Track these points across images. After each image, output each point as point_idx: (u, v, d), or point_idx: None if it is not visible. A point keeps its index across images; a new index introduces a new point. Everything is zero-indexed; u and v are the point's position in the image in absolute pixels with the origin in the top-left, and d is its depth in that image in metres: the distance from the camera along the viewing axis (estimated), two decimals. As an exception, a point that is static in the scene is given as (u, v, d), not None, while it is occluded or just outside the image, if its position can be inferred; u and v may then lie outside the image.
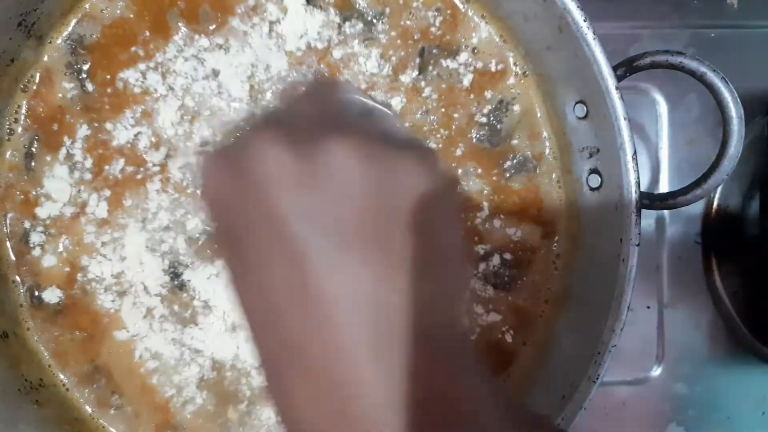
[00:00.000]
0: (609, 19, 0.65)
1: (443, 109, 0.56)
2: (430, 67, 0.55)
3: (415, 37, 0.55)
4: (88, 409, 0.55)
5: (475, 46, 0.55)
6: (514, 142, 0.56)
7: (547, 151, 0.56)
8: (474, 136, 0.56)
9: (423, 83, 0.55)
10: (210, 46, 0.54)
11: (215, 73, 0.54)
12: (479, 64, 0.56)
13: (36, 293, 0.54)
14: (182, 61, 0.54)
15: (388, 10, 0.55)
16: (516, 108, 0.56)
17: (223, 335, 0.55)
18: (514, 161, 0.56)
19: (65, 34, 0.54)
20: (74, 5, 0.54)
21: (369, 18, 0.55)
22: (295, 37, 0.55)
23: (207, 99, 0.54)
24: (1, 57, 0.52)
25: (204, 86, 0.54)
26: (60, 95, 0.54)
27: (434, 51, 0.55)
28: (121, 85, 0.54)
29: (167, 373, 0.55)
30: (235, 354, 0.55)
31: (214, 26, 0.54)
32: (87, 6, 0.54)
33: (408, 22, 0.55)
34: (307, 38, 0.55)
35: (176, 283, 0.55)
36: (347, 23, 0.55)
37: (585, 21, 0.47)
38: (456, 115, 0.56)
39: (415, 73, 0.55)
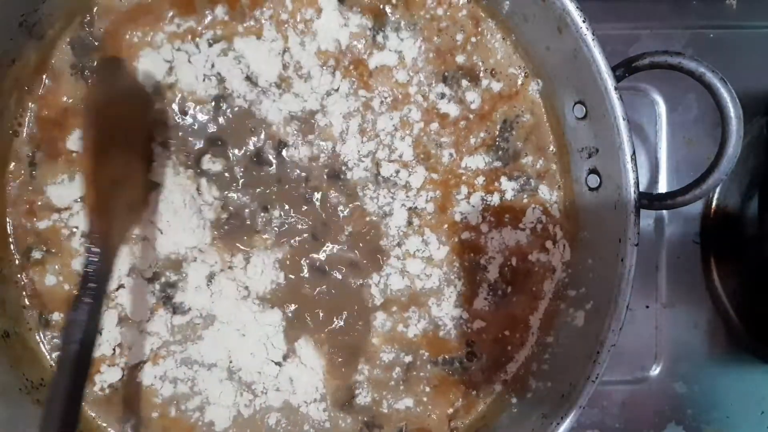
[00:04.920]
0: (608, 20, 0.65)
1: (461, 127, 0.56)
2: (455, 86, 0.56)
3: (441, 55, 0.55)
4: (89, 408, 0.55)
5: (492, 68, 0.56)
6: (523, 160, 0.56)
7: (554, 166, 0.56)
8: (486, 153, 0.56)
9: (446, 100, 0.56)
10: (242, 31, 0.54)
11: (243, 59, 0.54)
12: (498, 86, 0.56)
13: (44, 316, 0.55)
14: (206, 46, 0.54)
15: (420, 23, 0.55)
16: (525, 126, 0.56)
17: (234, 340, 0.55)
18: (520, 180, 0.56)
19: (68, 34, 0.54)
20: (75, 6, 0.54)
21: (401, 29, 0.55)
22: (327, 37, 0.55)
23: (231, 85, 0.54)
24: (2, 58, 0.52)
25: (231, 71, 0.54)
26: (65, 97, 0.54)
27: (458, 74, 0.55)
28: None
29: (185, 397, 0.55)
30: (252, 356, 0.55)
31: (247, 14, 0.54)
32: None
33: (437, 39, 0.55)
34: (339, 40, 0.55)
35: (170, 306, 0.55)
36: (380, 33, 0.55)
37: (584, 22, 0.47)
38: (472, 136, 0.56)
39: (440, 89, 0.56)
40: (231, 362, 0.55)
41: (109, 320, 0.54)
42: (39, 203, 0.54)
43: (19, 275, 0.54)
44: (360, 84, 0.55)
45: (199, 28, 0.54)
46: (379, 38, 0.55)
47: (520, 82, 0.56)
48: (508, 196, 0.56)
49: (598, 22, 0.47)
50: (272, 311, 0.55)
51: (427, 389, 0.56)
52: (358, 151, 0.55)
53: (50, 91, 0.54)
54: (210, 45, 0.54)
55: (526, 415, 0.53)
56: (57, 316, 0.55)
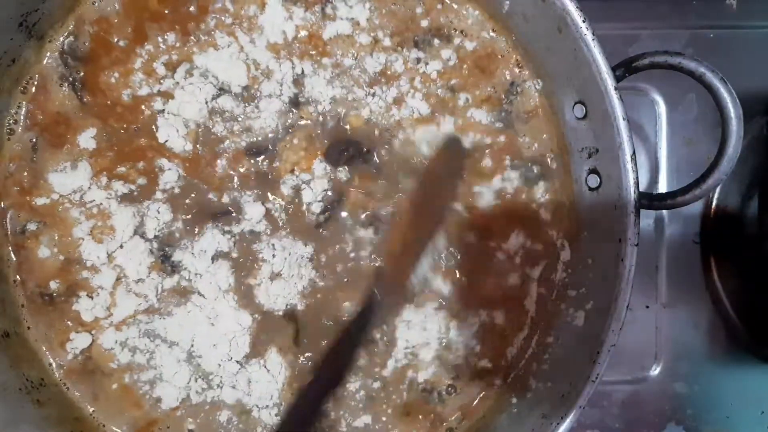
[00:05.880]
0: (608, 20, 0.65)
1: (449, 84, 0.56)
2: (428, 47, 0.56)
3: (403, 22, 0.55)
4: (89, 408, 0.55)
5: (464, 29, 0.56)
6: (521, 139, 0.56)
7: (552, 163, 0.57)
8: (490, 111, 0.56)
9: (423, 64, 0.56)
10: (198, 48, 0.55)
11: (209, 72, 0.55)
12: (472, 45, 0.56)
13: (45, 294, 0.54)
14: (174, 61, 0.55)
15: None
16: (521, 100, 0.56)
17: (202, 326, 0.55)
18: (520, 170, 0.57)
19: (59, 43, 0.54)
20: (73, 6, 0.54)
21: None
22: (275, 30, 0.55)
23: (208, 102, 0.55)
24: (2, 58, 0.52)
25: (203, 88, 0.55)
26: (57, 103, 0.54)
27: (427, 37, 0.55)
28: (120, 95, 0.54)
29: (140, 367, 0.55)
30: (214, 347, 0.55)
31: (194, 25, 0.55)
32: (80, 11, 0.54)
33: (394, 6, 0.55)
34: (285, 32, 0.55)
35: (167, 265, 0.55)
36: (328, 5, 0.55)
37: (584, 22, 0.47)
38: (478, 90, 0.56)
39: (415, 54, 0.56)
40: (193, 347, 0.55)
41: (107, 281, 0.54)
42: (37, 187, 0.54)
43: (11, 255, 0.54)
44: (319, 55, 0.55)
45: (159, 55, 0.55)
46: (328, 10, 0.55)
47: (501, 47, 0.56)
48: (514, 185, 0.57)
49: (598, 22, 0.47)
50: (245, 312, 0.55)
51: (389, 410, 0.56)
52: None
53: (42, 96, 0.54)
54: (173, 70, 0.54)
55: (526, 415, 0.53)
56: (54, 285, 0.54)
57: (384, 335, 0.56)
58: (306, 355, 0.56)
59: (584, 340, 0.50)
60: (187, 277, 0.55)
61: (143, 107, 0.55)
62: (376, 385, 0.56)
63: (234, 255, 0.55)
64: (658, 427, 0.67)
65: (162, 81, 0.54)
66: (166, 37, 0.54)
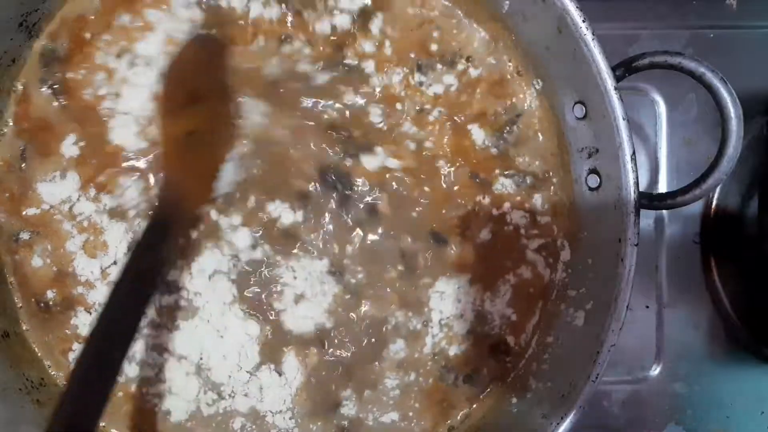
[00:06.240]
0: (608, 20, 0.65)
1: (446, 108, 0.56)
2: (430, 71, 0.55)
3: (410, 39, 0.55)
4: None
5: (470, 55, 0.56)
6: (519, 159, 0.56)
7: (552, 173, 0.57)
8: (481, 141, 0.56)
9: (425, 87, 0.56)
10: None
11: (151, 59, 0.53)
12: (476, 72, 0.56)
13: (41, 302, 0.54)
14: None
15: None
16: (522, 122, 0.56)
17: (211, 339, 0.54)
18: (518, 177, 0.56)
19: (39, 45, 0.53)
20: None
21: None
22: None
23: None
24: (2, 58, 0.52)
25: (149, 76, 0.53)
26: (40, 107, 0.54)
27: (431, 61, 0.55)
28: (84, 95, 0.53)
29: (148, 381, 0.54)
30: (224, 358, 0.54)
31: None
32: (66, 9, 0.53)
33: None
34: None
35: (163, 285, 0.54)
36: None
37: (584, 21, 0.47)
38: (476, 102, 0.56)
39: (418, 78, 0.55)
40: (202, 359, 0.54)
41: (103, 297, 0.53)
42: (26, 197, 0.54)
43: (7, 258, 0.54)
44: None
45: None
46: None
47: (509, 75, 0.56)
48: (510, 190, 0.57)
49: (598, 22, 0.47)
50: (253, 323, 0.54)
51: (417, 405, 0.56)
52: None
53: (25, 101, 0.54)
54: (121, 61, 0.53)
55: (526, 415, 0.53)
56: (51, 294, 0.54)
57: (422, 318, 0.56)
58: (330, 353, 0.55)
59: (584, 340, 0.50)
60: (186, 297, 0.54)
61: (102, 107, 0.53)
62: (411, 377, 0.55)
63: (233, 277, 0.54)
64: (658, 427, 0.67)
65: (113, 75, 0.53)
66: (122, 21, 0.53)
